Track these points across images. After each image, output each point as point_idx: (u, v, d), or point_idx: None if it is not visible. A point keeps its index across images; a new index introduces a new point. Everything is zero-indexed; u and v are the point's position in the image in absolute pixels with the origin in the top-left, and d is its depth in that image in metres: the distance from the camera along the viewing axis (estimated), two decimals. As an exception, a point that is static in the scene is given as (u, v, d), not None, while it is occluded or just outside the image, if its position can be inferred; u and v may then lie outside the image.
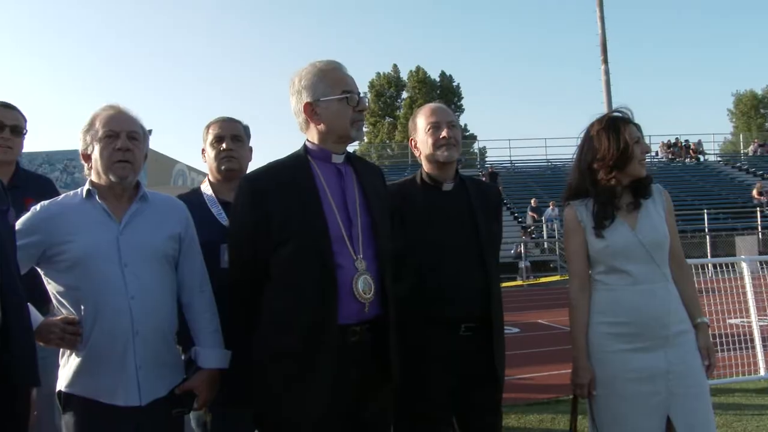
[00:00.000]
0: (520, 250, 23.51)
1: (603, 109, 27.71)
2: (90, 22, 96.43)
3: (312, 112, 2.68)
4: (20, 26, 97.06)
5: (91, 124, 2.69)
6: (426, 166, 3.32)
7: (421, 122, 3.29)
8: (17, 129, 3.58)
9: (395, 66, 59.01)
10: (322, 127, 2.69)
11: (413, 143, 3.37)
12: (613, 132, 3.08)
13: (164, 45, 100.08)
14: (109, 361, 2.52)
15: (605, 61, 29.53)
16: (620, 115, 3.16)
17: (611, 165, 3.07)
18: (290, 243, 2.57)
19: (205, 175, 3.51)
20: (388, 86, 57.63)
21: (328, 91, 2.66)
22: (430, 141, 3.23)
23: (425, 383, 3.04)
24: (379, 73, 58.21)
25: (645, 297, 3.00)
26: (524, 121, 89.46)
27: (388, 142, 53.03)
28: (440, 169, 3.27)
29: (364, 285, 2.58)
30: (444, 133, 3.20)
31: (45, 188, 3.49)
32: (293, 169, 2.69)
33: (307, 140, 2.76)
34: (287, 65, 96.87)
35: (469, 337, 3.10)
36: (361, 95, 2.73)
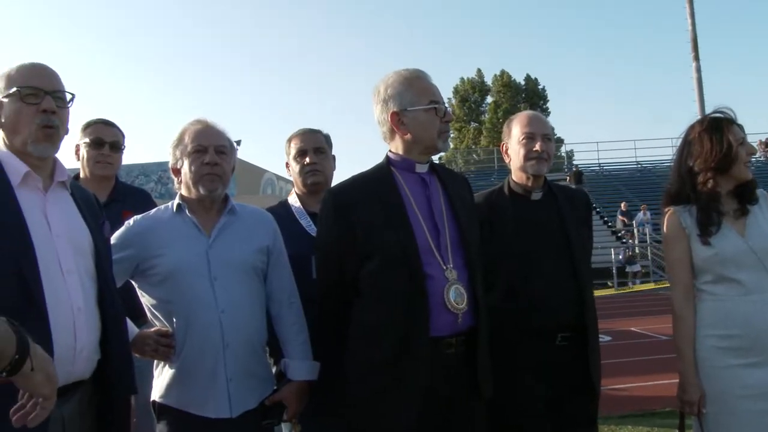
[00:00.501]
0: (621, 256, 23.02)
1: (695, 108, 26.91)
2: (182, 33, 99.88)
3: (398, 121, 2.65)
4: (120, 39, 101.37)
5: (180, 139, 2.75)
6: (515, 175, 3.26)
7: (516, 130, 3.22)
8: (116, 145, 3.71)
9: (479, 70, 58.48)
10: (408, 137, 2.66)
11: (504, 148, 3.32)
12: (716, 133, 2.93)
13: (253, 54, 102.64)
14: (201, 373, 2.56)
15: (696, 58, 28.45)
16: (722, 115, 3.01)
17: (714, 168, 2.92)
18: (377, 255, 2.55)
19: (292, 183, 3.55)
20: (473, 91, 57.18)
21: (415, 100, 2.63)
22: (522, 152, 3.17)
23: (520, 394, 2.98)
24: (463, 78, 57.83)
25: (758, 308, 2.82)
26: (612, 122, 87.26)
27: (473, 147, 52.63)
28: (529, 180, 3.21)
29: (456, 295, 2.51)
30: (537, 146, 3.13)
31: (143, 201, 3.59)
32: (377, 181, 2.67)
33: (390, 151, 2.73)
34: (371, 72, 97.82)
35: (564, 346, 3.03)
36: (447, 106, 2.70)
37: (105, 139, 3.65)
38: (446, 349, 2.52)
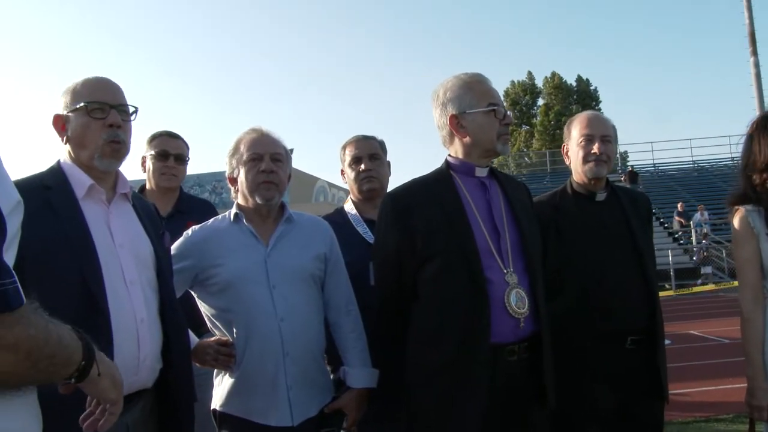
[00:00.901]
0: (695, 257, 22.65)
1: (754, 105, 26.21)
2: (234, 44, 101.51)
3: (458, 124, 2.64)
4: (175, 59, 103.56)
5: (236, 148, 2.77)
6: (576, 176, 3.22)
7: (575, 132, 3.19)
8: (181, 157, 3.77)
9: (530, 73, 58.13)
10: (467, 140, 2.64)
11: (564, 150, 3.29)
12: (765, 132, 2.87)
13: (302, 65, 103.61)
14: (261, 382, 2.57)
15: (754, 53, 27.72)
16: None
17: (764, 168, 2.85)
18: (436, 259, 2.53)
19: (345, 191, 3.57)
20: (524, 94, 56.75)
21: (474, 103, 2.61)
22: (581, 154, 3.13)
23: (588, 401, 2.93)
24: (513, 82, 57.51)
25: None
26: (667, 122, 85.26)
27: (525, 150, 52.19)
28: (591, 181, 3.16)
29: (517, 299, 2.48)
30: (595, 148, 3.09)
31: (206, 211, 3.62)
32: (436, 185, 2.65)
33: (449, 155, 2.72)
34: (422, 80, 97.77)
35: (633, 350, 2.98)
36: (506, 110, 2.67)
37: (170, 151, 3.72)
38: (509, 356, 2.49)
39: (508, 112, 2.67)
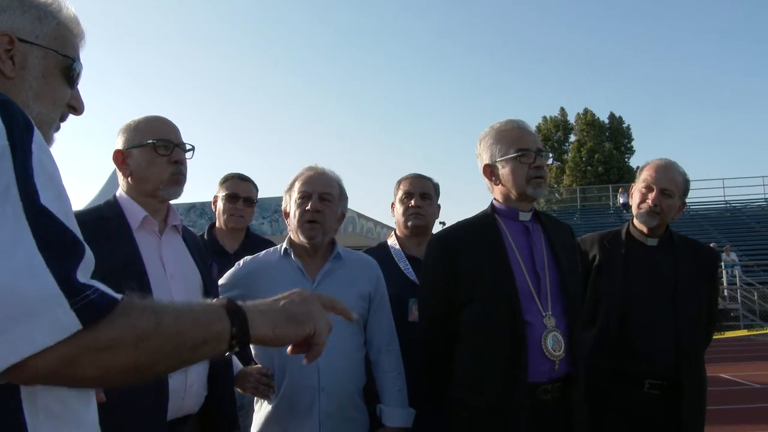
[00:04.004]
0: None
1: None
2: (293, 90, 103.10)
3: (491, 173, 2.74)
4: (236, 94, 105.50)
5: (292, 184, 2.87)
6: (635, 220, 3.25)
7: (641, 176, 3.23)
8: (250, 200, 3.96)
9: (562, 109, 58.06)
10: (500, 187, 2.72)
11: (631, 190, 3.33)
12: None
13: (349, 101, 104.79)
14: (296, 414, 2.63)
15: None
16: None
17: None
18: (479, 300, 2.60)
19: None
20: (555, 130, 56.58)
21: (504, 150, 2.69)
22: (637, 200, 3.20)
23: None
24: (545, 117, 57.40)
25: None
26: (700, 160, 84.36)
27: (556, 186, 51.99)
28: (647, 228, 3.20)
29: (553, 343, 2.54)
30: (650, 199, 3.13)
31: None
32: (481, 228, 2.72)
33: (494, 199, 2.79)
34: (451, 117, 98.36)
35: (655, 395, 2.97)
36: (541, 151, 2.70)
37: (240, 194, 3.90)
38: (543, 395, 2.53)
39: (542, 155, 2.70)
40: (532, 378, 2.51)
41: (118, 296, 1.07)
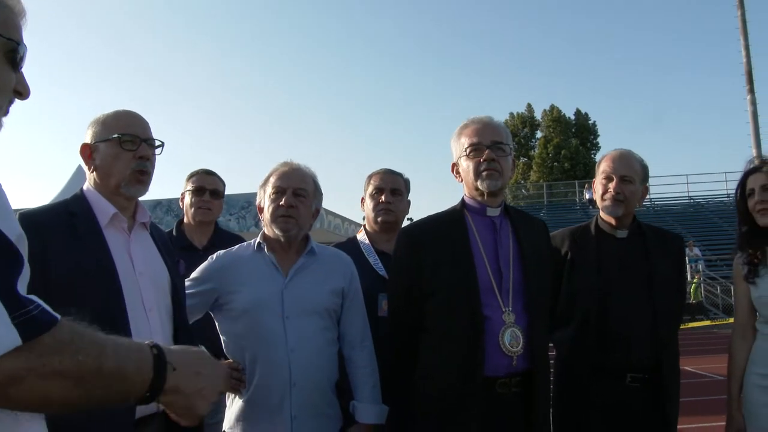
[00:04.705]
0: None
1: (750, 142, 26.44)
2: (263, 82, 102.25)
3: (457, 171, 2.80)
4: (218, 104, 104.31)
5: (267, 179, 2.86)
6: (602, 213, 3.25)
7: (600, 168, 3.24)
8: (216, 192, 3.97)
9: (529, 105, 58.61)
10: (463, 183, 2.78)
11: (593, 185, 3.33)
12: (741, 183, 3.07)
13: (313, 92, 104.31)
14: (266, 409, 2.62)
15: (751, 91, 28.06)
16: (752, 165, 3.08)
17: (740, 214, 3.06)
18: (441, 294, 2.63)
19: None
20: (522, 126, 57.03)
21: (460, 149, 2.76)
22: (599, 191, 3.20)
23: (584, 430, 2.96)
24: (512, 113, 57.78)
25: None
26: (664, 157, 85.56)
27: (522, 182, 52.33)
28: (614, 220, 3.20)
29: (511, 338, 2.56)
30: (612, 188, 3.13)
31: None
32: (449, 222, 2.75)
33: (465, 194, 2.82)
34: (425, 116, 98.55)
35: (636, 388, 2.99)
36: (497, 143, 2.70)
37: (206, 186, 3.94)
38: (500, 389, 2.56)
39: (500, 147, 2.70)
40: (490, 372, 2.54)
41: (57, 315, 1.06)
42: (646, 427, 2.98)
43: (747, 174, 3.04)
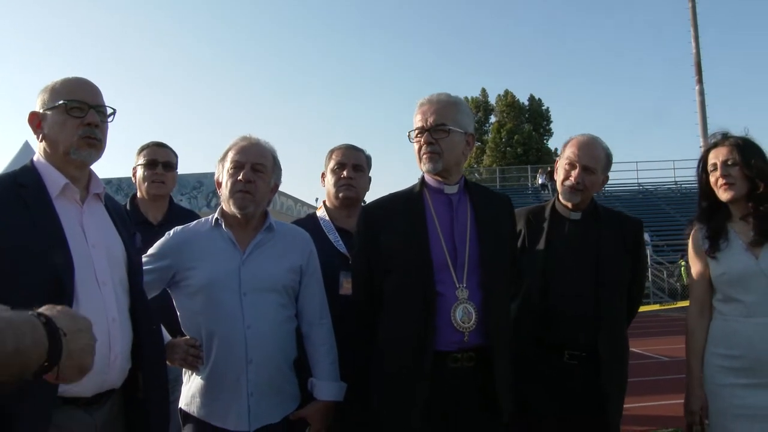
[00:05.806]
0: None
1: (698, 131, 27.07)
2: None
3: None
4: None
5: (225, 154, 2.80)
6: (560, 195, 3.26)
7: (565, 152, 3.23)
8: (169, 165, 3.85)
9: (483, 90, 58.81)
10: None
11: (556, 166, 3.32)
12: (702, 158, 3.09)
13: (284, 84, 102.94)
14: (223, 386, 2.59)
15: (700, 81, 28.71)
16: (714, 140, 3.09)
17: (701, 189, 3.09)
18: (396, 271, 2.65)
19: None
20: (476, 110, 57.19)
21: (412, 131, 2.76)
22: (560, 177, 3.21)
23: (530, 409, 3.00)
24: (467, 98, 57.67)
25: (761, 331, 2.83)
26: (615, 144, 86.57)
27: (476, 166, 52.68)
28: (570, 204, 3.21)
29: (462, 314, 2.58)
30: (572, 176, 3.14)
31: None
32: (406, 200, 2.76)
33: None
34: (377, 96, 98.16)
35: (574, 365, 3.03)
36: (440, 125, 2.68)
37: (158, 159, 3.81)
38: (452, 362, 2.58)
39: (439, 129, 2.68)
40: (441, 347, 2.56)
41: None
42: (584, 403, 3.01)
43: (709, 149, 3.06)
